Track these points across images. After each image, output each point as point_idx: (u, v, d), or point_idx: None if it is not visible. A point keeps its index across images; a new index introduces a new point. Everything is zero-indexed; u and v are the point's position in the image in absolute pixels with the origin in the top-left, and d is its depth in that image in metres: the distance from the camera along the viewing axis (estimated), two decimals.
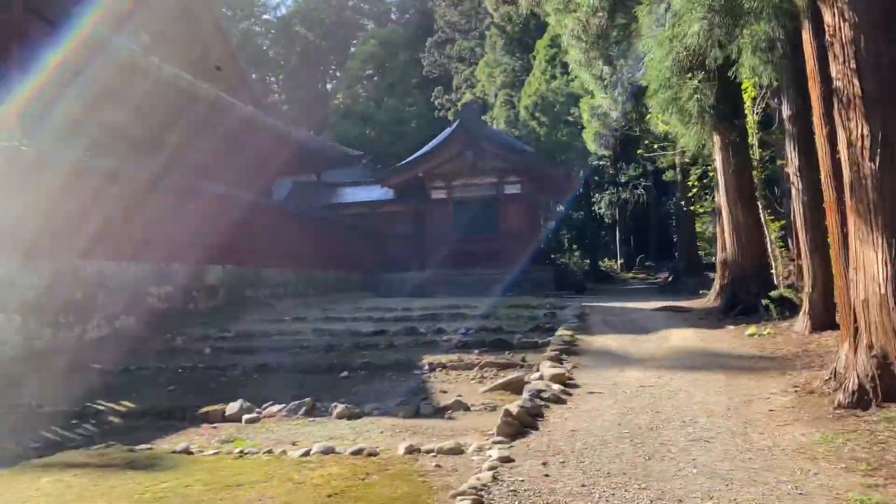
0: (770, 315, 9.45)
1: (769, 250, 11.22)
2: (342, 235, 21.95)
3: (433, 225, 23.23)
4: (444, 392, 6.62)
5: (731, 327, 9.49)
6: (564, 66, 26.28)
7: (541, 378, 6.50)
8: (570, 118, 20.93)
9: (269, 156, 19.23)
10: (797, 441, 4.39)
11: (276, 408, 6.21)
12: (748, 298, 10.29)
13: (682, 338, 8.98)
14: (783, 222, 14.21)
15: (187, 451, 4.85)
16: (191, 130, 14.71)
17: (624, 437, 4.64)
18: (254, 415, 6.11)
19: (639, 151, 16.01)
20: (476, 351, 8.55)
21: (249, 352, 9.40)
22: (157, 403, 6.67)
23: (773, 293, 9.59)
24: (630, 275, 34.96)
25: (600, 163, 35.10)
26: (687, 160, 23.72)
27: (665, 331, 9.66)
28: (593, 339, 9.21)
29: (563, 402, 5.77)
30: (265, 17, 64.61)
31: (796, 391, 5.66)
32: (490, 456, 4.33)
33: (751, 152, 10.90)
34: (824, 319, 8.02)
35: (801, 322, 8.32)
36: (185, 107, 13.92)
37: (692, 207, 21.76)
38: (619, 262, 39.25)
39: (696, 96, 7.38)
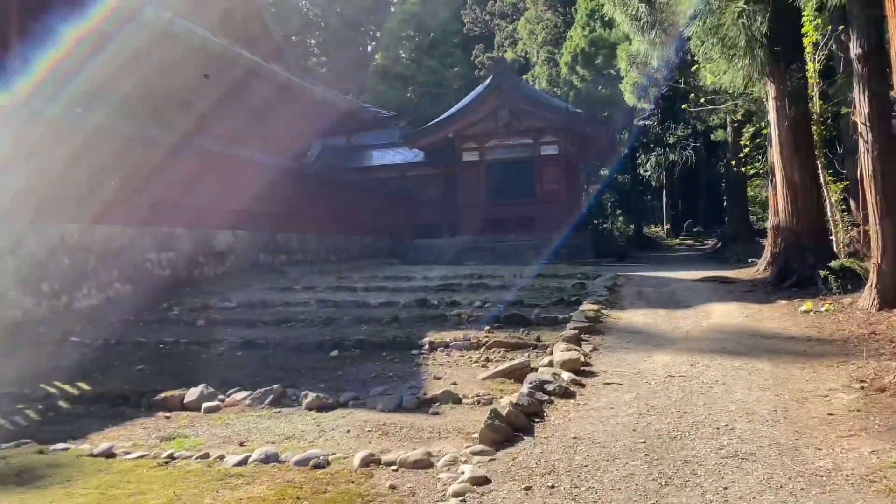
0: (829, 288, 8.22)
1: (829, 214, 9.90)
2: (370, 199, 21.12)
3: (465, 189, 22.18)
4: (438, 378, 5.70)
5: (783, 302, 8.30)
6: (605, 26, 24.65)
7: (550, 364, 5.52)
8: (611, 71, 19.46)
9: (294, 116, 18.42)
10: (866, 463, 3.34)
11: (241, 395, 5.39)
12: (803, 269, 9.04)
13: (725, 314, 7.85)
14: (846, 183, 12.77)
15: (108, 454, 4.06)
16: (206, 88, 13.95)
17: (638, 450, 3.66)
18: (215, 402, 5.30)
19: (684, 107, 14.59)
20: (487, 327, 7.61)
21: (244, 324, 8.64)
22: (118, 386, 5.92)
23: (834, 263, 8.33)
24: (676, 241, 33.42)
25: (646, 122, 33.40)
26: (740, 117, 22.08)
27: (706, 305, 8.54)
28: (622, 314, 8.15)
29: (572, 395, 4.79)
30: None
31: (863, 388, 4.56)
32: (462, 473, 3.41)
33: (810, 104, 9.53)
34: None
35: (867, 297, 7.11)
36: (202, 63, 13.11)
37: (744, 169, 20.26)
38: (665, 227, 37.64)
39: (742, 21, 6.11)
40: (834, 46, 11.53)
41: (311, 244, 16.35)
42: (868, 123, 6.90)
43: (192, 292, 10.73)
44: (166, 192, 11.00)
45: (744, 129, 20.54)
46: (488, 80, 21.27)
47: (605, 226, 37.04)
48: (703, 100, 14.14)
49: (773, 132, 9.48)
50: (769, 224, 11.34)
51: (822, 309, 7.46)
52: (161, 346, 7.52)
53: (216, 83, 13.67)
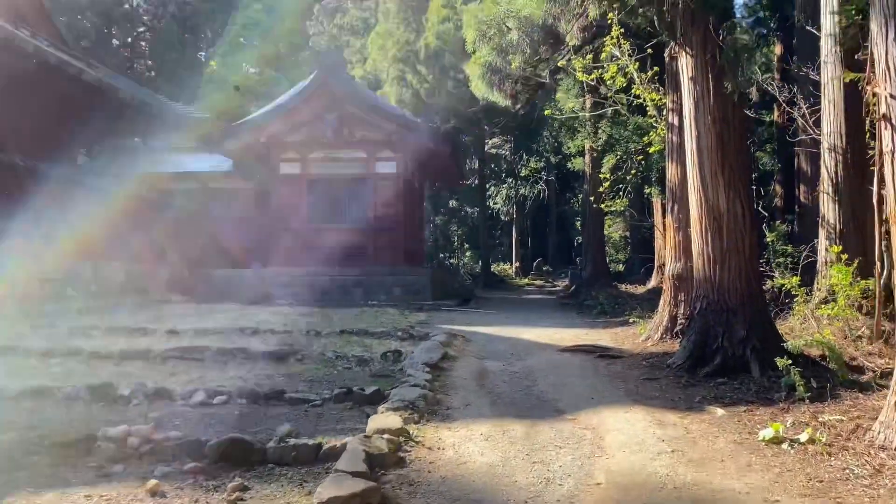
0: (791, 387, 4.90)
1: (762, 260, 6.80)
2: (150, 215, 16.29)
3: (282, 209, 17.84)
4: None
5: (720, 411, 4.86)
6: (458, 27, 21.67)
7: None
8: (460, 76, 16.26)
9: (52, 101, 13.60)
10: None
11: None
12: (732, 346, 5.77)
13: (632, 442, 4.24)
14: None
15: None
16: None
17: None
18: None
19: (546, 112, 11.45)
20: (172, 466, 3.54)
21: None
22: None
23: (792, 344, 5.10)
24: (526, 280, 30.82)
25: (498, 151, 30.96)
26: (600, 146, 19.67)
27: (590, 412, 4.93)
28: (445, 437, 4.32)
29: None
30: None
31: None
32: None
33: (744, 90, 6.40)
34: None
35: (892, 424, 3.78)
36: None
37: (603, 205, 17.71)
38: (514, 265, 35.14)
39: None
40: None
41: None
42: None
43: None
44: None
45: (604, 160, 18.08)
46: (312, 77, 17.21)
47: (451, 261, 34.02)
48: (570, 104, 10.97)
49: (689, 133, 6.22)
50: (667, 272, 8.14)
51: (803, 438, 4.05)
52: None
53: None
